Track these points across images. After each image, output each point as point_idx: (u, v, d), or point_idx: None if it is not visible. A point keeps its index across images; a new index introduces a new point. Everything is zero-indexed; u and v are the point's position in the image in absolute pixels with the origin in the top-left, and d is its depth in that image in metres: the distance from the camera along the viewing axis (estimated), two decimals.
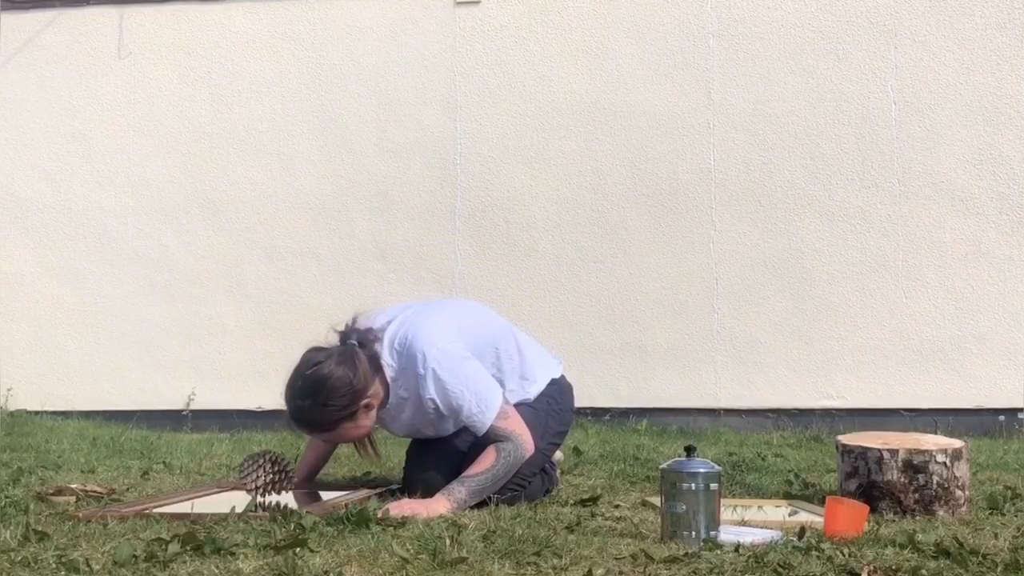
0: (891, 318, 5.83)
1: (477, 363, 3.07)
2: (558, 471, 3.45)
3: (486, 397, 3.00)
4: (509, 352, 3.23)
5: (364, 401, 2.98)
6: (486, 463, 2.94)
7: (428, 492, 2.97)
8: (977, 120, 5.83)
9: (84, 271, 6.41)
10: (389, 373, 3.05)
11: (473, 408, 2.99)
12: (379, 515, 2.59)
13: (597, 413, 5.84)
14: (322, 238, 6.25)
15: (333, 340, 3.09)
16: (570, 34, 6.15)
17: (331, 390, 2.93)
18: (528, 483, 3.09)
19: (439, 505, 2.83)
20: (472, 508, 2.89)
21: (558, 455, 3.48)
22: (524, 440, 3.00)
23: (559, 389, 3.33)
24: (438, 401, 3.02)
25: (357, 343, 3.04)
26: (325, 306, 6.20)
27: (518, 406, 3.15)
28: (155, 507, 2.84)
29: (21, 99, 6.52)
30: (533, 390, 3.24)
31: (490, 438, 2.99)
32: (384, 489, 3.18)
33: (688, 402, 5.91)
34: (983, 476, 3.72)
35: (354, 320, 3.13)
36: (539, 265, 6.07)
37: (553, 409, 3.24)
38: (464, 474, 2.94)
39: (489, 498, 2.94)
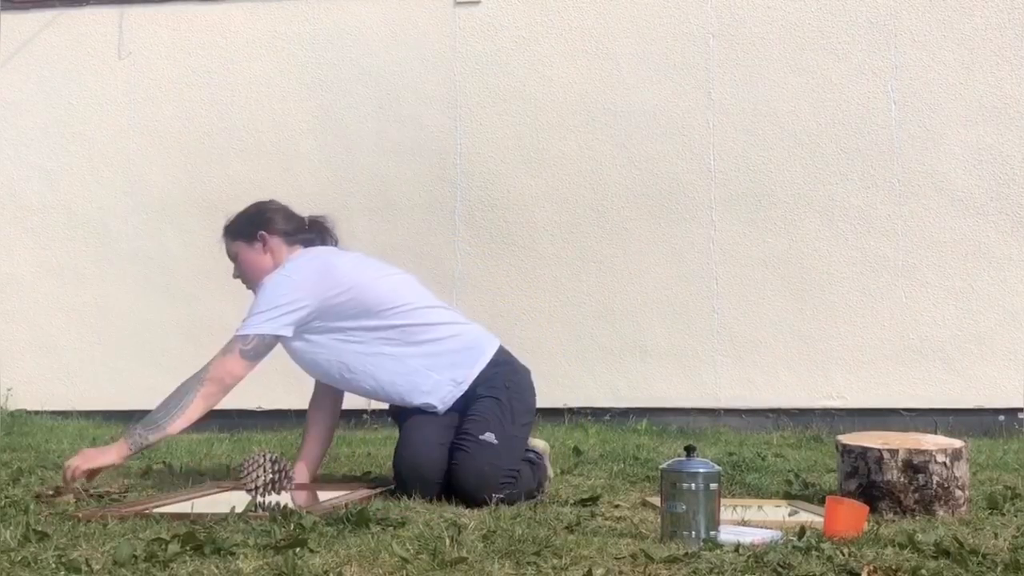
0: (891, 318, 5.83)
1: (306, 298, 3.20)
2: (547, 461, 3.42)
3: (256, 322, 3.21)
4: (419, 308, 3.35)
5: (263, 231, 3.38)
6: (165, 398, 3.17)
7: (421, 484, 3.02)
8: (977, 120, 5.83)
9: (84, 271, 6.41)
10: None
11: (245, 317, 3.24)
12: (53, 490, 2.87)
13: (597, 413, 5.84)
14: None
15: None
16: (570, 34, 6.15)
17: (256, 206, 3.50)
18: (518, 473, 3.09)
19: (113, 450, 3.08)
20: (472, 508, 2.89)
21: (541, 444, 3.45)
22: (208, 378, 3.18)
23: (511, 370, 3.31)
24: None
25: (307, 220, 3.47)
26: None
27: (479, 397, 3.17)
28: (155, 507, 2.84)
29: (21, 99, 6.52)
30: (466, 358, 3.28)
31: (224, 348, 3.19)
32: (384, 489, 3.18)
33: (688, 402, 5.91)
34: (983, 476, 3.72)
35: (330, 221, 3.55)
36: (539, 265, 6.07)
37: (514, 393, 3.24)
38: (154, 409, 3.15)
39: (489, 498, 2.94)
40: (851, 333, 5.85)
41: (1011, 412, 5.70)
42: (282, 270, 3.30)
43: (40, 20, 6.53)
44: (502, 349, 3.36)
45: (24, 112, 6.52)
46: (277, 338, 3.25)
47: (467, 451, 3.06)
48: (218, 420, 6.00)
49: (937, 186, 5.84)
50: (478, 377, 3.24)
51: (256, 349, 3.23)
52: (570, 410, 5.86)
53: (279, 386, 6.18)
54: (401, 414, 3.31)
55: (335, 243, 3.51)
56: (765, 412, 5.87)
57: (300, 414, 5.98)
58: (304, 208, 3.46)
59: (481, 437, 3.08)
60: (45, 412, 6.03)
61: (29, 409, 6.08)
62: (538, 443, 3.43)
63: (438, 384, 3.23)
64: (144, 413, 6.36)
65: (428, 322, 3.33)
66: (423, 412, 3.25)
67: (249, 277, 3.44)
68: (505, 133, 6.17)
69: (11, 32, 6.53)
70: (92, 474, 3.08)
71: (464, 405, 3.22)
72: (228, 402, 6.26)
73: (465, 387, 3.24)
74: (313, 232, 3.47)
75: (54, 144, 6.49)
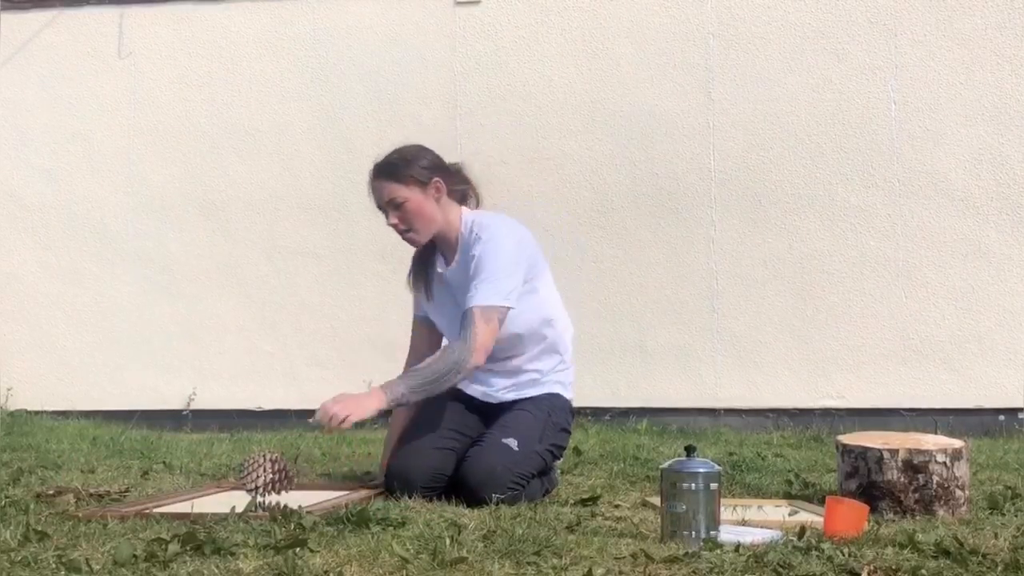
0: (891, 318, 5.83)
1: (521, 272, 3.14)
2: (558, 472, 3.45)
3: (500, 286, 3.06)
4: (540, 290, 3.28)
5: (437, 178, 3.18)
6: (431, 359, 3.04)
7: (405, 488, 3.02)
8: (977, 120, 5.83)
9: (84, 271, 6.41)
10: (463, 229, 3.22)
11: (482, 281, 3.05)
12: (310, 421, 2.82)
13: (597, 413, 5.84)
14: (322, 238, 6.25)
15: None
16: (570, 34, 6.15)
17: (418, 149, 3.25)
18: (527, 482, 3.09)
19: (374, 400, 2.92)
20: (472, 508, 2.89)
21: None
22: (477, 347, 3.01)
23: (560, 405, 3.32)
24: (475, 262, 3.11)
25: (453, 167, 3.30)
26: (325, 306, 6.21)
27: (521, 409, 3.18)
28: (155, 507, 2.84)
29: (21, 99, 6.53)
30: (550, 365, 3.28)
31: (463, 321, 3.04)
32: (384, 489, 3.17)
33: (688, 402, 5.92)
34: (983, 476, 3.72)
35: (459, 162, 3.39)
36: None
37: (552, 421, 3.25)
38: (409, 370, 3.05)
39: (490, 498, 2.94)
40: (851, 333, 5.85)
41: (1011, 412, 5.70)
42: (507, 233, 3.19)
43: (40, 20, 6.53)
44: None
45: (24, 112, 6.52)
46: None
47: (484, 447, 3.07)
48: (218, 420, 6.03)
49: (937, 186, 5.84)
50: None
51: (505, 319, 3.09)
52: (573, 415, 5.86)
53: (279, 386, 6.21)
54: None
55: (477, 197, 3.39)
56: (765, 412, 5.87)
57: (300, 414, 6.01)
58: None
59: (503, 440, 3.08)
60: (45, 412, 6.03)
61: (29, 409, 6.08)
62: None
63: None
64: (144, 413, 6.37)
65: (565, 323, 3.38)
66: (427, 415, 3.25)
67: (418, 226, 3.20)
68: (505, 133, 6.17)
69: (11, 32, 6.54)
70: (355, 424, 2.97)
71: (498, 414, 3.23)
72: (228, 402, 6.32)
73: (527, 393, 3.26)
74: (459, 179, 3.33)
75: (54, 144, 6.49)
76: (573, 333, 3.39)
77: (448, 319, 3.26)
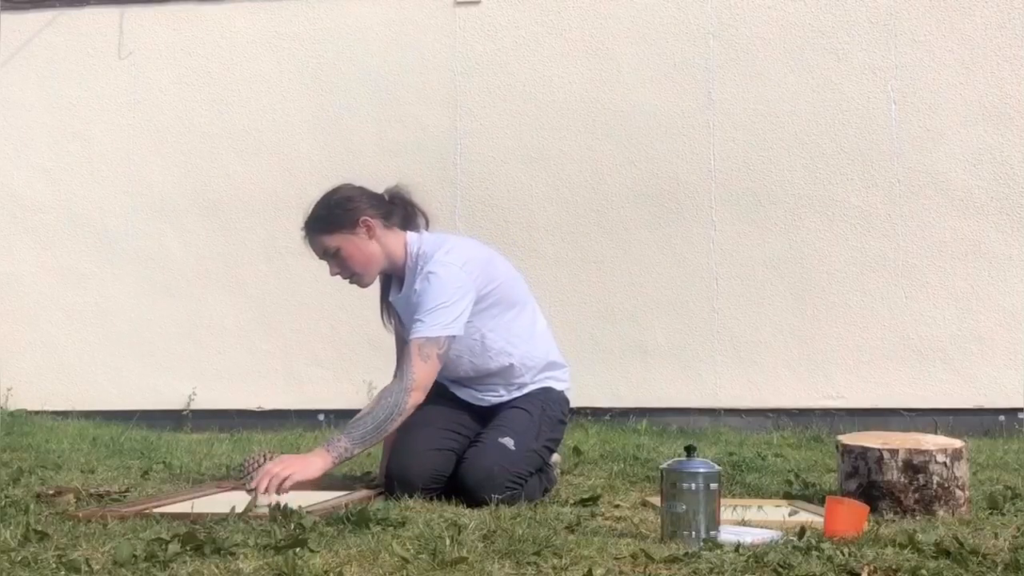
0: (891, 318, 5.83)
1: (469, 296, 3.07)
2: (556, 471, 3.45)
3: (439, 321, 3.00)
4: (526, 301, 3.29)
5: (364, 217, 3.11)
6: (367, 408, 3.00)
7: (405, 489, 3.01)
8: (977, 120, 5.83)
9: (84, 271, 6.41)
10: (410, 255, 3.15)
11: (422, 316, 3.00)
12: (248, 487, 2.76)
13: (597, 413, 5.84)
14: None
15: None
16: (570, 34, 6.15)
17: (337, 192, 3.21)
18: (525, 481, 3.09)
19: (318, 460, 2.88)
20: (472, 508, 2.89)
21: (555, 457, 3.48)
22: (414, 387, 2.96)
23: (554, 398, 3.32)
24: (416, 296, 3.07)
25: (386, 195, 3.24)
26: (325, 306, 6.20)
27: (516, 407, 3.16)
28: (155, 507, 2.84)
29: (21, 99, 6.53)
30: (529, 376, 3.26)
31: (406, 352, 3.01)
32: (384, 489, 3.17)
33: (688, 402, 5.92)
34: (983, 476, 3.72)
35: (404, 186, 3.31)
36: (539, 265, 6.06)
37: (547, 415, 3.24)
38: (349, 422, 2.98)
39: (489, 498, 2.93)
40: (851, 333, 5.85)
41: (1011, 412, 5.70)
42: (448, 259, 3.07)
43: (40, 20, 6.53)
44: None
45: (24, 112, 6.52)
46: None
47: (481, 449, 3.07)
48: (218, 420, 6.03)
49: (937, 186, 5.84)
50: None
51: (448, 348, 3.04)
52: (570, 410, 5.85)
53: (279, 386, 6.21)
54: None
55: (423, 216, 3.28)
56: (765, 412, 5.87)
57: (300, 414, 6.04)
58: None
59: (500, 440, 3.08)
60: (45, 412, 6.03)
61: (29, 409, 6.08)
62: (553, 456, 3.43)
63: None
64: (144, 413, 6.38)
65: (541, 328, 3.35)
66: (423, 415, 3.26)
67: (360, 270, 3.16)
68: (505, 133, 6.17)
69: (11, 32, 6.54)
70: (295, 486, 2.88)
71: (493, 413, 3.23)
72: (228, 402, 6.32)
73: (516, 394, 3.25)
74: (397, 205, 3.24)
75: (54, 144, 6.49)
76: (546, 348, 3.31)
77: (399, 317, 3.27)
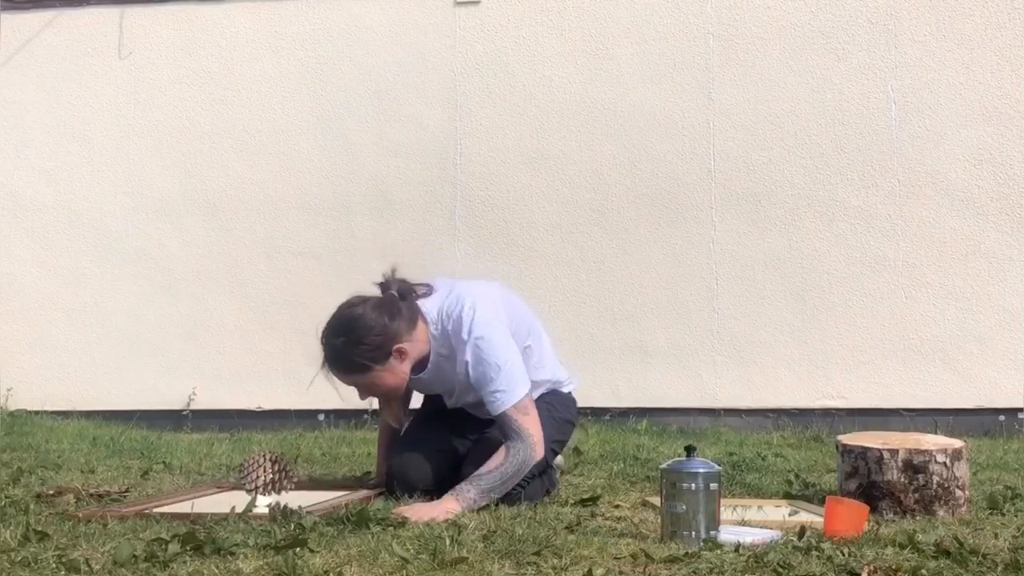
0: (891, 318, 5.83)
1: (515, 345, 3.05)
2: (557, 473, 3.45)
3: (515, 381, 2.97)
4: (534, 348, 3.23)
5: (397, 346, 2.97)
6: (495, 462, 2.92)
7: (405, 487, 3.00)
8: (977, 120, 5.83)
9: (84, 271, 6.41)
10: (432, 331, 3.05)
11: (500, 386, 2.96)
12: (393, 516, 2.61)
13: (597, 413, 5.84)
14: (322, 238, 6.25)
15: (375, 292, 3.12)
16: (570, 34, 6.15)
17: (365, 328, 2.97)
18: (528, 483, 3.09)
19: (450, 506, 2.81)
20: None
21: (559, 459, 3.48)
22: (536, 441, 2.97)
23: (561, 400, 3.32)
24: (471, 368, 2.99)
25: (397, 294, 3.06)
26: (325, 306, 6.15)
27: None
28: (155, 507, 2.84)
29: (21, 99, 6.52)
30: (533, 374, 3.23)
31: (503, 426, 2.96)
32: (384, 489, 3.17)
33: (688, 402, 5.91)
34: (983, 476, 3.72)
35: (393, 271, 3.16)
36: (539, 265, 6.07)
37: (554, 417, 3.24)
38: (474, 474, 2.91)
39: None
40: (851, 333, 5.85)
41: (1011, 412, 5.70)
42: (481, 316, 2.99)
43: (40, 20, 6.53)
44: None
45: (24, 112, 6.52)
46: None
47: (484, 447, 3.05)
48: (218, 420, 6.03)
49: (937, 186, 5.84)
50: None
51: (527, 406, 2.99)
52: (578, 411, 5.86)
53: (279, 386, 6.20)
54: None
55: (424, 286, 3.15)
56: (765, 412, 5.87)
57: (300, 414, 6.04)
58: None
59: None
60: (45, 412, 6.03)
61: (29, 409, 6.08)
62: (556, 458, 3.43)
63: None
64: (144, 413, 6.38)
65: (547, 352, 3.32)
66: (424, 416, 3.25)
67: (394, 391, 3.08)
68: (505, 133, 6.16)
69: (11, 32, 6.54)
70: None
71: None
72: (228, 402, 6.31)
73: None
74: (406, 300, 3.08)
75: (54, 144, 6.49)
76: (551, 370, 3.31)
77: (427, 383, 3.17)
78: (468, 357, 2.99)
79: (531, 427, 2.97)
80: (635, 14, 6.10)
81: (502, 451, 2.94)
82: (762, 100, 5.98)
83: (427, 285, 3.17)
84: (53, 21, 6.53)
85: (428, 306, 3.09)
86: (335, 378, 3.07)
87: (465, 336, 2.99)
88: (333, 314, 3.09)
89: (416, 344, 3.03)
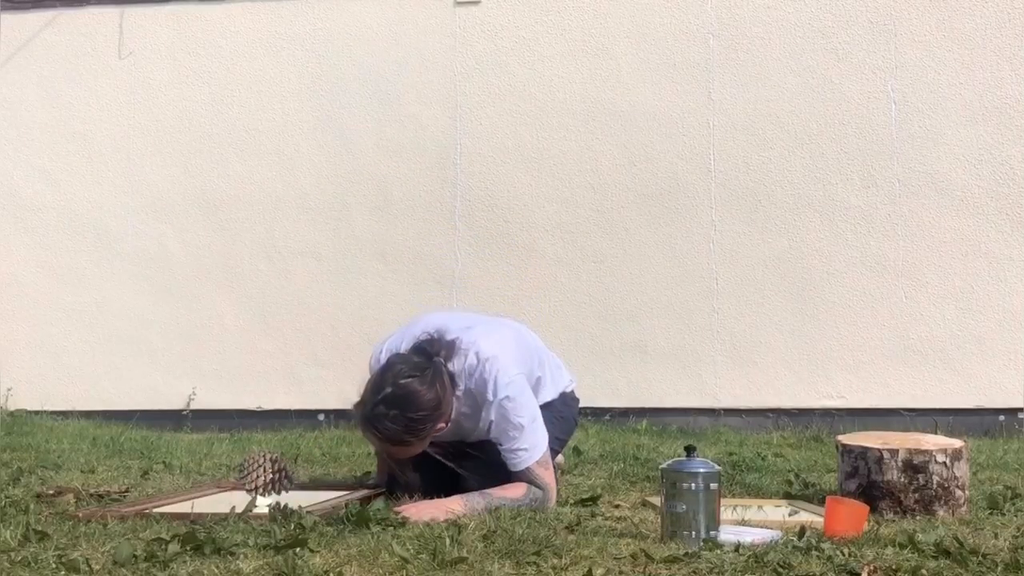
0: (891, 318, 5.83)
1: (535, 399, 3.07)
2: (558, 473, 3.45)
3: (538, 438, 3.01)
4: (544, 378, 3.26)
5: (441, 424, 2.95)
6: (514, 493, 2.93)
7: (406, 490, 3.01)
8: (977, 120, 5.83)
9: (84, 271, 6.41)
10: (457, 392, 3.01)
11: (524, 444, 2.98)
12: (393, 515, 2.62)
13: (597, 413, 5.84)
14: (322, 238, 6.25)
15: (400, 338, 3.12)
16: (570, 34, 6.15)
17: (420, 407, 2.88)
18: None
19: (454, 506, 2.82)
20: None
21: (559, 459, 3.49)
22: (553, 494, 3.01)
23: (564, 400, 3.33)
24: (494, 426, 3.00)
25: (428, 353, 2.98)
26: (325, 306, 6.21)
27: None
28: (155, 507, 2.84)
29: (21, 99, 6.53)
30: (541, 396, 3.24)
31: (523, 479, 2.97)
32: (384, 489, 3.17)
33: (688, 402, 5.91)
34: (983, 476, 3.72)
35: (440, 333, 3.05)
36: (539, 265, 6.07)
37: (556, 417, 3.24)
38: (490, 490, 2.92)
39: None
40: (851, 333, 5.85)
41: (1011, 412, 5.70)
42: (504, 371, 2.97)
43: (40, 20, 6.53)
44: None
45: (24, 112, 6.52)
46: None
47: (485, 450, 3.06)
48: (218, 420, 6.03)
49: (937, 186, 5.84)
50: None
51: (547, 460, 3.03)
52: (580, 410, 5.86)
53: (279, 386, 6.21)
54: None
55: (449, 348, 3.03)
56: (765, 412, 5.87)
57: (300, 414, 6.04)
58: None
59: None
60: (45, 412, 6.03)
61: (29, 409, 6.08)
62: (557, 457, 3.43)
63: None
64: (144, 413, 6.38)
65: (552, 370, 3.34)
66: None
67: (414, 457, 3.04)
68: (505, 133, 6.16)
69: (11, 32, 6.54)
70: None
71: None
72: (228, 402, 6.31)
73: None
74: (441, 354, 3.00)
75: (54, 144, 6.49)
76: (554, 388, 3.31)
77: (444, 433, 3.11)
78: (493, 416, 2.99)
79: (551, 480, 3.01)
80: (635, 14, 6.10)
81: (522, 487, 2.95)
82: (762, 100, 5.98)
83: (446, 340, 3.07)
84: (53, 21, 6.53)
85: (459, 390, 3.02)
86: (379, 445, 3.03)
87: (491, 396, 2.98)
88: (384, 376, 2.93)
89: (454, 407, 3.00)
